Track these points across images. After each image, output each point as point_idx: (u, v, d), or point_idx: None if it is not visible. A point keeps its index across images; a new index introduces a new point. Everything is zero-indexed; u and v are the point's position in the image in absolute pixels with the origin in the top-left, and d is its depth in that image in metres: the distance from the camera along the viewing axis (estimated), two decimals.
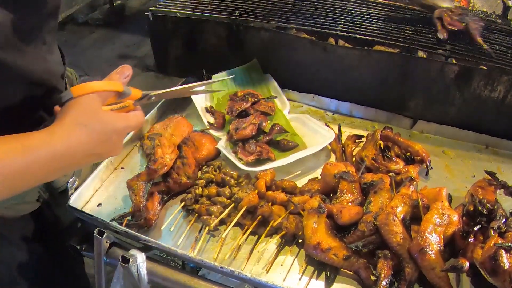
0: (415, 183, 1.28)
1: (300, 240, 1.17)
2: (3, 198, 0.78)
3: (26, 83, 0.97)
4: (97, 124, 0.83)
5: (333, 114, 1.72)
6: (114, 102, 0.92)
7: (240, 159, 1.41)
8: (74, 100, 0.84)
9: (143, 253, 1.11)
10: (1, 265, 1.21)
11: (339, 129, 1.56)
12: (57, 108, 0.88)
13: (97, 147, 0.84)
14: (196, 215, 1.26)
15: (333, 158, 1.50)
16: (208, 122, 1.58)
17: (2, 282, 1.23)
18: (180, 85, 1.29)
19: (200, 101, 1.67)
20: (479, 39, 1.53)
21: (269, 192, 1.26)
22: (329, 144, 1.49)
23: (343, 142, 1.52)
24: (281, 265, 1.14)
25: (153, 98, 1.02)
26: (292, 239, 1.19)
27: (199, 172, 1.40)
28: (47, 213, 1.26)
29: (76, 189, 1.26)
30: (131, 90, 0.94)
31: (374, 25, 1.71)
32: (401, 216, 1.12)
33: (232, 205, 1.25)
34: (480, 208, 1.15)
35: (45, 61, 1.03)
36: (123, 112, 0.92)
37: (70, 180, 1.23)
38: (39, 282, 1.33)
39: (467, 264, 1.00)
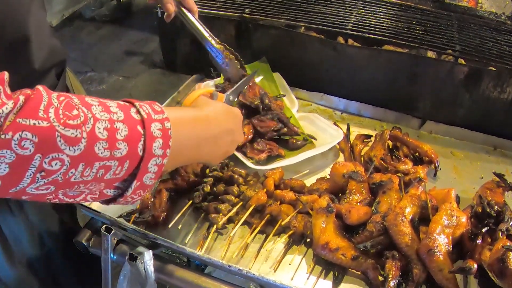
0: (423, 183, 1.28)
1: (308, 240, 1.17)
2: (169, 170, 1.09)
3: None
4: (217, 104, 0.96)
5: (341, 113, 1.72)
6: None
7: (250, 158, 1.40)
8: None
9: (150, 251, 1.11)
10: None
11: (348, 129, 1.56)
12: None
13: (226, 121, 0.94)
14: (204, 213, 1.26)
15: (341, 157, 1.49)
16: None
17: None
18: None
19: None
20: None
21: (278, 191, 1.26)
22: (338, 143, 1.49)
23: (351, 142, 1.51)
24: (289, 264, 1.14)
25: (231, 97, 1.24)
26: (300, 238, 1.18)
27: (207, 170, 1.40)
28: None
29: None
30: (218, 94, 1.13)
31: (384, 25, 1.71)
32: (410, 217, 1.12)
33: (240, 203, 1.24)
34: (488, 210, 1.15)
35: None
36: None
37: None
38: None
39: (475, 266, 1.00)
